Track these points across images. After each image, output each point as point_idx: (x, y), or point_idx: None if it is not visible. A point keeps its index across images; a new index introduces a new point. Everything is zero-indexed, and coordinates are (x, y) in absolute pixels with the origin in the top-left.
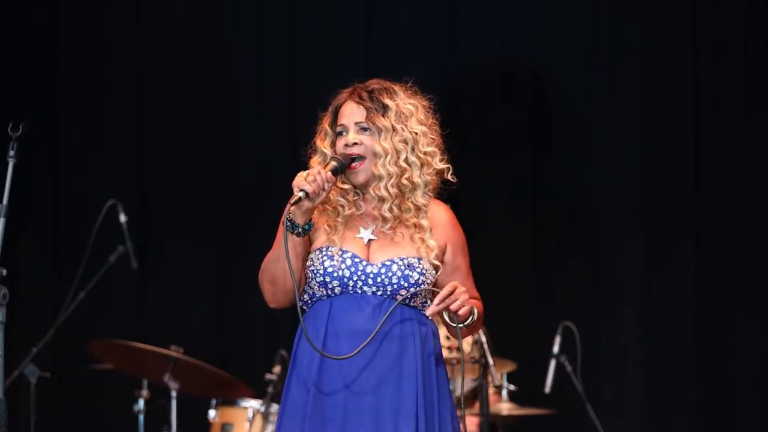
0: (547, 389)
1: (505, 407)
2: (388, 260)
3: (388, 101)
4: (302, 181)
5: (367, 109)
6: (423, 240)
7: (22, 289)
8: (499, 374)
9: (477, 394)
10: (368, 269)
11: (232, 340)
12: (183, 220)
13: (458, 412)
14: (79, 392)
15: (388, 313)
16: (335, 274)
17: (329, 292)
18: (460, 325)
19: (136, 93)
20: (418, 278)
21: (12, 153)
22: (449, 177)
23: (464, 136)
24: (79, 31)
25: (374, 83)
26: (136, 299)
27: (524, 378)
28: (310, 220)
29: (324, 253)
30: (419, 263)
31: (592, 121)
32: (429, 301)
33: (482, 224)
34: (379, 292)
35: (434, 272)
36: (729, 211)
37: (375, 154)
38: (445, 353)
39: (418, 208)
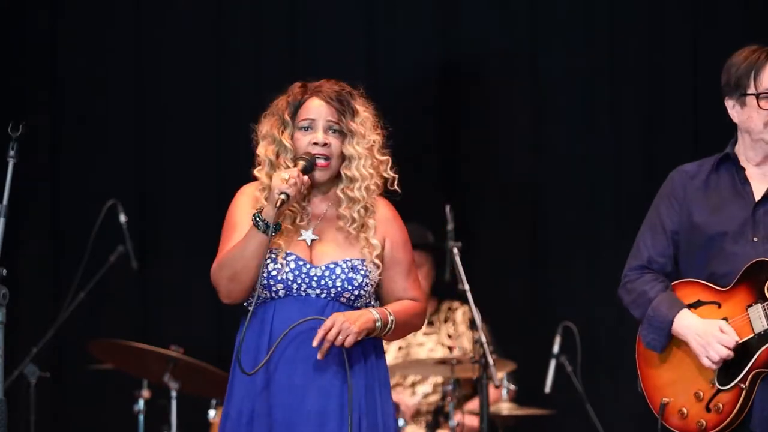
0: (547, 389)
1: (505, 407)
2: (332, 263)
3: (357, 105)
4: (284, 185)
5: (337, 110)
6: (367, 239)
7: (22, 289)
8: (499, 374)
9: (475, 390)
10: (312, 272)
11: (232, 340)
12: (183, 220)
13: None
14: (79, 392)
15: (297, 323)
16: (279, 278)
17: (273, 295)
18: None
19: (137, 93)
20: (362, 280)
21: (12, 153)
22: (395, 187)
23: (464, 135)
24: (79, 31)
25: (335, 84)
26: (136, 299)
27: (524, 378)
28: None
29: (268, 256)
30: (363, 265)
31: (592, 121)
32: (372, 302)
33: (482, 224)
34: (323, 295)
35: (377, 271)
36: None
37: (347, 157)
38: (444, 353)
39: (366, 209)
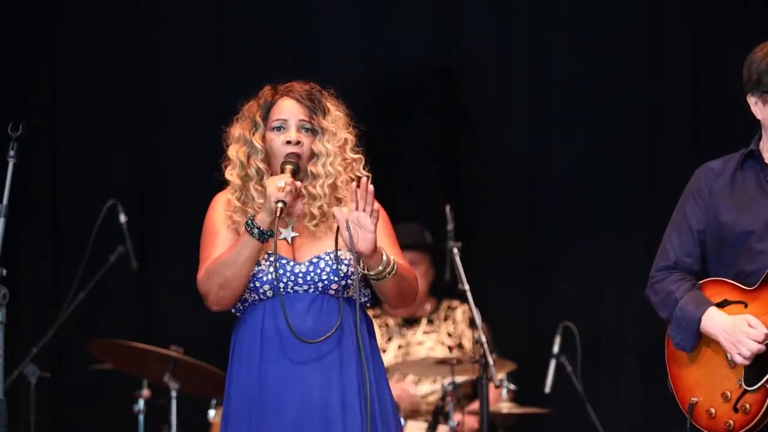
0: (547, 389)
1: (505, 407)
2: (315, 257)
3: (327, 104)
4: (280, 193)
5: (309, 108)
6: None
7: (22, 289)
8: (499, 374)
9: (476, 390)
10: (296, 269)
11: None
12: (183, 220)
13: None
14: (79, 392)
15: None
16: (264, 279)
17: (261, 296)
18: (378, 270)
19: (137, 93)
20: (347, 270)
21: (12, 153)
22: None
23: (464, 135)
24: (79, 31)
25: (305, 84)
26: (136, 299)
27: (524, 378)
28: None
29: None
30: (346, 254)
31: (592, 121)
32: (361, 290)
33: (482, 224)
34: (311, 290)
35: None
36: None
37: (315, 154)
38: (444, 353)
39: (339, 201)
